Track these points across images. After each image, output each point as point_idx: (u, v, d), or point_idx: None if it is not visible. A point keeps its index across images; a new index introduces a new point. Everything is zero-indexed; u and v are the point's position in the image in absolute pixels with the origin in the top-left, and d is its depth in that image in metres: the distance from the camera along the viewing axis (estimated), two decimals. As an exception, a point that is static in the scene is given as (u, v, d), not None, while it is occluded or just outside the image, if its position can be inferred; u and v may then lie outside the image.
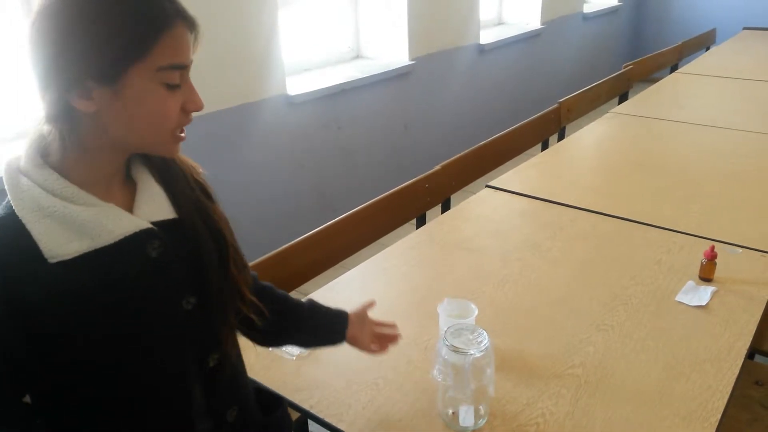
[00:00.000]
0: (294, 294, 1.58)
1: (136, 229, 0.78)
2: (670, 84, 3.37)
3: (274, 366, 1.01)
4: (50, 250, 0.73)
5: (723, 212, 1.81)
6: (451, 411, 1.07)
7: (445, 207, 2.08)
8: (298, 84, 2.97)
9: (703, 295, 1.40)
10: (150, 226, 0.80)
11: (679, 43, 4.25)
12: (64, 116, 0.73)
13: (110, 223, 0.76)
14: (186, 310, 0.84)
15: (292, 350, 1.24)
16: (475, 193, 1.99)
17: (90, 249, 0.75)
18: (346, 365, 1.21)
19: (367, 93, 3.28)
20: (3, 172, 0.76)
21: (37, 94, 0.74)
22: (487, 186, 2.03)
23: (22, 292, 0.72)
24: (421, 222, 1.99)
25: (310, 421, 1.10)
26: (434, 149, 3.78)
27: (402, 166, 3.59)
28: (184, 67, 0.75)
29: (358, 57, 3.55)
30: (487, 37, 4.17)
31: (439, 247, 1.67)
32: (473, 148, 2.25)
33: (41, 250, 0.72)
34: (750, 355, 1.23)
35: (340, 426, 1.07)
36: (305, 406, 1.10)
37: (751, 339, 1.26)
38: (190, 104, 0.77)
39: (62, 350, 0.76)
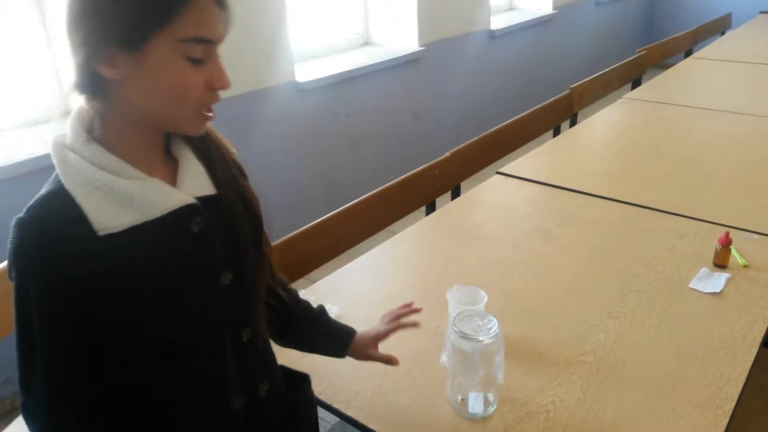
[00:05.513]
0: (302, 281, 1.58)
1: (182, 204, 0.79)
2: (684, 69, 3.31)
3: (281, 353, 1.02)
4: (100, 222, 0.74)
5: (738, 198, 1.78)
6: (460, 398, 1.06)
7: (455, 194, 2.07)
8: (307, 71, 2.95)
9: (717, 281, 1.37)
10: (195, 201, 0.81)
11: (694, 27, 4.19)
12: (93, 85, 0.74)
13: (158, 197, 0.77)
14: (224, 284, 0.85)
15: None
16: (485, 180, 1.97)
17: (139, 222, 0.76)
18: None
19: (377, 80, 3.25)
20: (50, 148, 0.77)
21: (70, 62, 0.74)
22: (498, 173, 2.01)
23: (74, 265, 0.73)
24: (430, 209, 1.98)
25: (318, 408, 1.10)
26: (444, 137, 3.75)
27: (411, 154, 3.56)
28: (208, 42, 0.74)
29: (367, 43, 3.52)
30: (498, 22, 4.13)
31: (449, 234, 1.66)
32: (484, 134, 2.23)
33: (91, 223, 0.74)
34: (765, 343, 1.21)
35: (348, 412, 1.07)
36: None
37: (766, 327, 1.24)
38: (214, 81, 0.76)
39: (110, 324, 0.78)
